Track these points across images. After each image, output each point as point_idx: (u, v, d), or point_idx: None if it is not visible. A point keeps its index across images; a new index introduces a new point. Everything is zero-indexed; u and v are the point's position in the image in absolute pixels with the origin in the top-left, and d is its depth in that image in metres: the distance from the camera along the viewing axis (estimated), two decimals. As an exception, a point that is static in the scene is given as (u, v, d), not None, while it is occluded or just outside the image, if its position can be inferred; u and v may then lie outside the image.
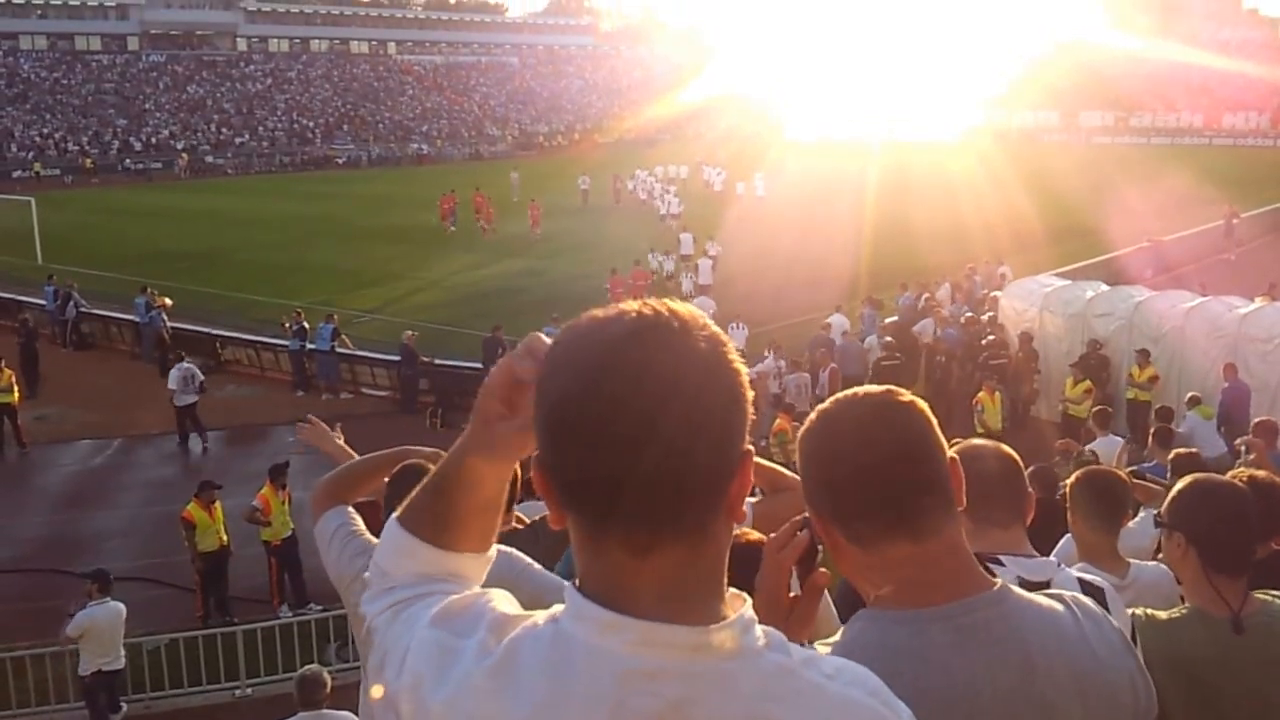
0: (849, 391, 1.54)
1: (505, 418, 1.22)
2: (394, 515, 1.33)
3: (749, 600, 1.13)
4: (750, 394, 1.11)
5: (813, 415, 1.54)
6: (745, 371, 1.11)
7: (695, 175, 52.39)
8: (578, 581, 1.13)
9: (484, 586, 1.27)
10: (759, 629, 1.11)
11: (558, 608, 1.13)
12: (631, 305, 1.11)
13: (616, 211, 44.50)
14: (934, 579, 1.43)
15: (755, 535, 2.64)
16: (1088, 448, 11.64)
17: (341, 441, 4.49)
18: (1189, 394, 13.62)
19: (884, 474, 1.43)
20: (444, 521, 1.30)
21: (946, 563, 1.44)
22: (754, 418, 1.13)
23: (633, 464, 1.03)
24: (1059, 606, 1.50)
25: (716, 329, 1.11)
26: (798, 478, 4.44)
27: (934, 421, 1.48)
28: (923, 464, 1.45)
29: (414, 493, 1.33)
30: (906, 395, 1.49)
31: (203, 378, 18.65)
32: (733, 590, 1.13)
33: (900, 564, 1.43)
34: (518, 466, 1.31)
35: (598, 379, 1.05)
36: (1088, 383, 15.71)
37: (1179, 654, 2.39)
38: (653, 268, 27.93)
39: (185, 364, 18.43)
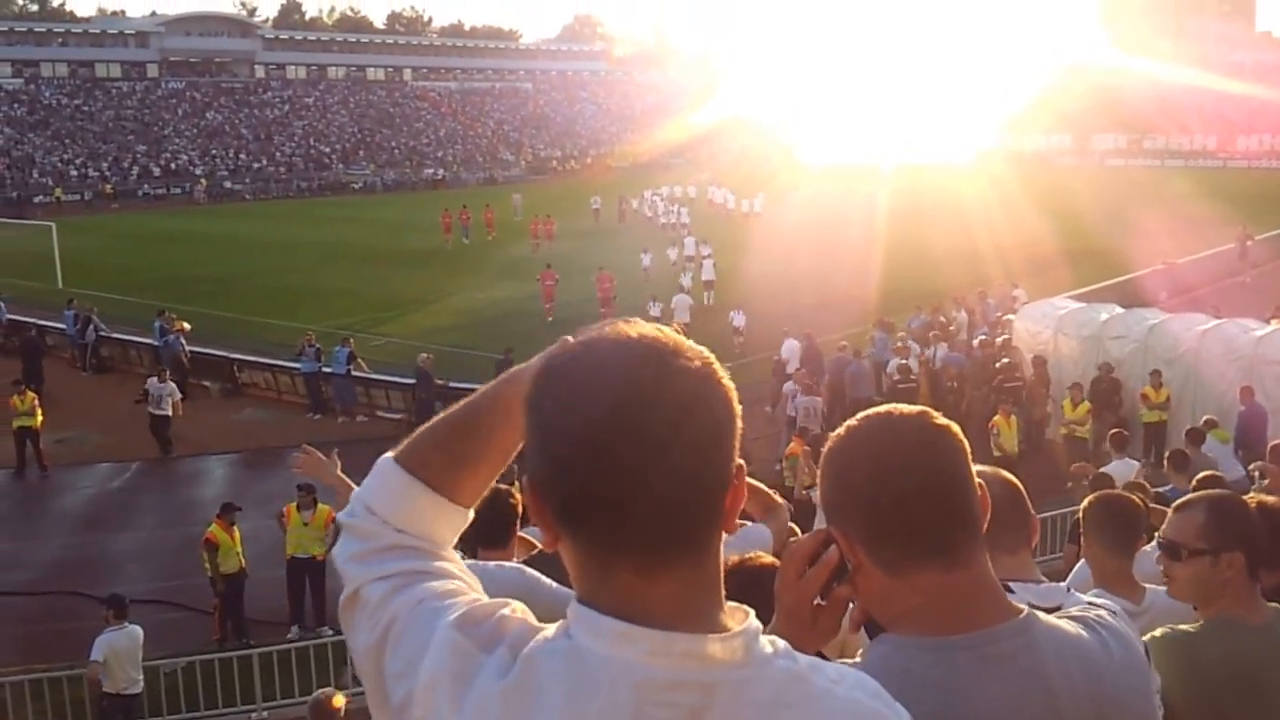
0: (882, 410, 1.48)
1: None
2: (391, 456, 1.30)
3: (751, 612, 1.13)
4: (739, 409, 1.12)
5: (841, 433, 1.48)
6: (733, 387, 1.12)
7: (702, 195, 53.19)
8: (579, 597, 1.12)
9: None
10: (765, 638, 1.12)
11: (564, 621, 1.12)
12: (620, 328, 1.12)
13: (622, 231, 45.10)
14: (960, 608, 1.40)
15: (768, 559, 2.66)
16: (1103, 470, 11.56)
17: (339, 469, 4.51)
18: (1205, 417, 13.52)
19: (924, 502, 1.38)
20: (462, 463, 1.28)
21: (973, 592, 1.42)
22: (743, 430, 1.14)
23: (640, 488, 1.04)
24: (1085, 633, 1.47)
25: (703, 349, 1.13)
26: (781, 501, 4.54)
27: (968, 448, 1.45)
28: (961, 494, 1.42)
29: (427, 432, 1.29)
30: (941, 419, 1.45)
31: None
32: (732, 604, 1.13)
33: (927, 591, 1.40)
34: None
35: (601, 404, 1.05)
36: (1087, 404, 15.73)
37: (1233, 659, 2.47)
38: (644, 265, 31.70)
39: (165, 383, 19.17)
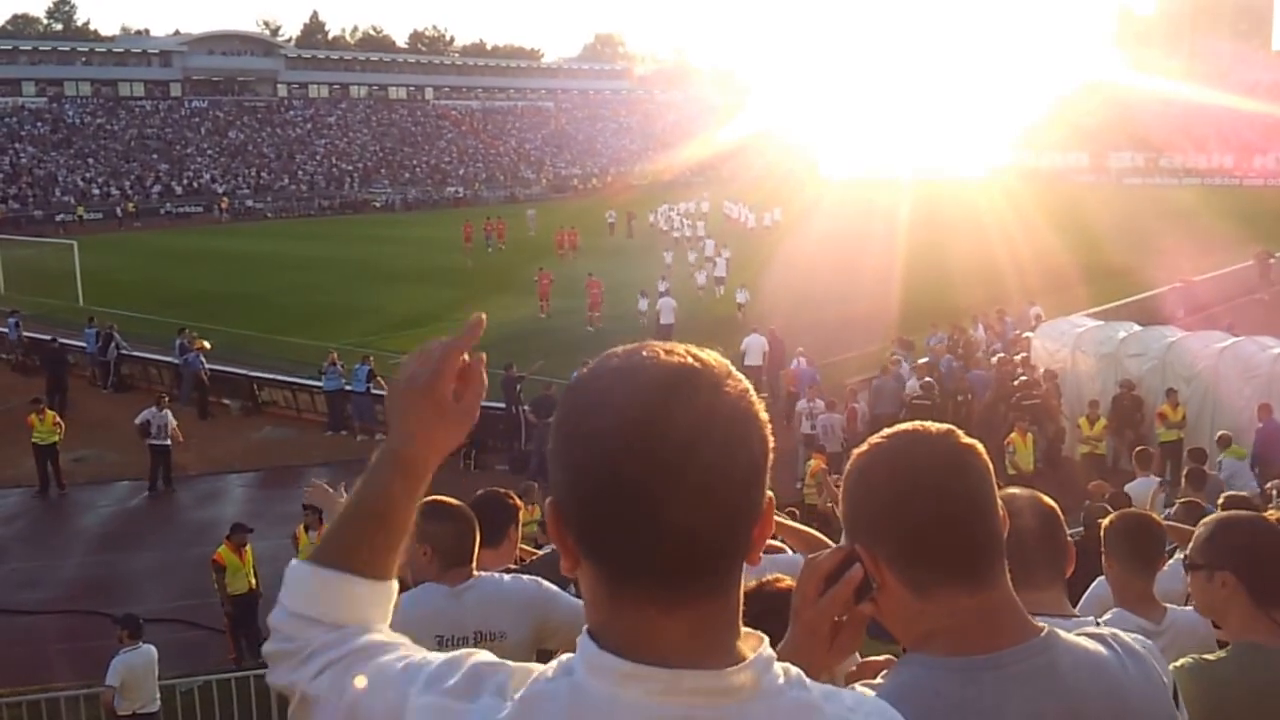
0: (908, 427, 1.48)
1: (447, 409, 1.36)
2: (307, 560, 1.31)
3: (766, 639, 1.11)
4: (772, 441, 1.10)
5: (866, 449, 1.47)
6: (768, 419, 1.10)
7: (716, 210, 53.63)
8: (589, 630, 1.09)
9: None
10: (778, 667, 1.09)
11: (566, 657, 1.09)
12: (661, 350, 1.08)
13: (632, 245, 45.60)
14: (985, 628, 1.41)
15: (787, 582, 2.65)
16: (1125, 488, 11.50)
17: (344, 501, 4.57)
18: (1220, 433, 13.49)
19: (954, 525, 1.39)
20: (381, 549, 1.30)
21: (997, 612, 1.43)
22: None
23: (671, 522, 1.01)
24: (1103, 650, 1.48)
25: (741, 376, 1.10)
26: (823, 539, 4.28)
27: (991, 467, 1.46)
28: (990, 517, 1.42)
29: (336, 529, 1.33)
30: (966, 438, 1.45)
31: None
32: (747, 630, 1.11)
33: (953, 612, 1.41)
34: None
35: (637, 433, 1.02)
36: (1103, 420, 15.72)
37: (1255, 686, 2.44)
38: (667, 262, 34.82)
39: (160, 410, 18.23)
